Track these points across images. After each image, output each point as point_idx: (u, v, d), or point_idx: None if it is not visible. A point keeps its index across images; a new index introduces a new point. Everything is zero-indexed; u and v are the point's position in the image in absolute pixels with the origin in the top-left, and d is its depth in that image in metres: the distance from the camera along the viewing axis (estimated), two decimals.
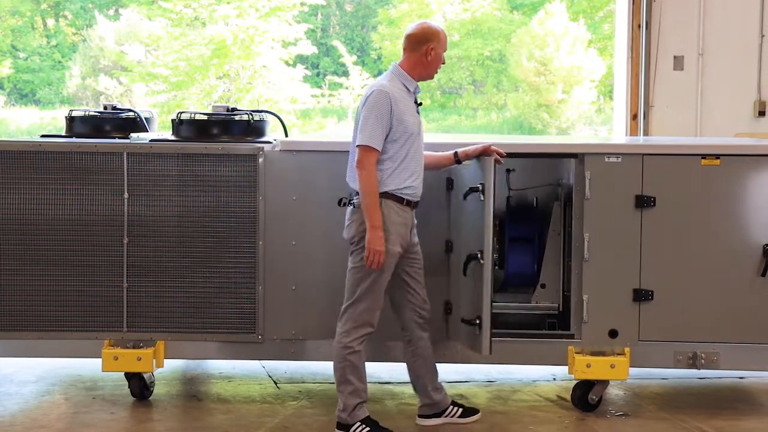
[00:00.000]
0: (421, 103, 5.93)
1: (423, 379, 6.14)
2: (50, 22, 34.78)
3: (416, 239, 5.99)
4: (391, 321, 6.11)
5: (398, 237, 5.77)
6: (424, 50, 5.82)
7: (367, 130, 5.67)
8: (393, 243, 5.74)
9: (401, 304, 6.00)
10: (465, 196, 6.22)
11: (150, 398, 6.59)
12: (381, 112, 5.66)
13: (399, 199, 5.76)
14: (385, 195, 5.73)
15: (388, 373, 7.18)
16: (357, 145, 5.70)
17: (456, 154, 6.12)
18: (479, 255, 6.00)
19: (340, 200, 6.02)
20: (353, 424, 5.80)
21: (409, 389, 6.92)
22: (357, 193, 5.76)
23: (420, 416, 6.20)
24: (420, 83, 5.89)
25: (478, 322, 6.04)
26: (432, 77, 5.96)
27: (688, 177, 6.41)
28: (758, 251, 6.39)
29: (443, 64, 5.94)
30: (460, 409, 6.23)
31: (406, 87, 5.83)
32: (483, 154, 6.05)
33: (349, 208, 5.85)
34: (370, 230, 5.65)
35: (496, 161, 6.01)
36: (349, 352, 5.78)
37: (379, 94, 5.70)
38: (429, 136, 6.46)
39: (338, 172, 6.05)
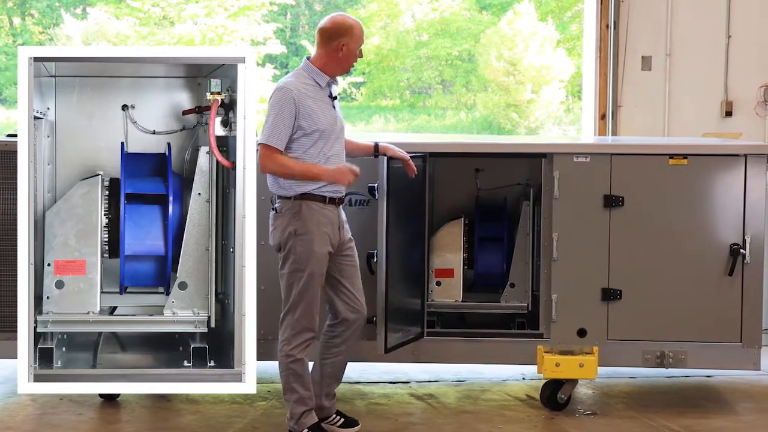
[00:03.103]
0: (336, 97, 5.75)
1: (325, 380, 5.92)
2: (16, 20, 34.54)
3: (348, 235, 5.83)
4: None
5: (325, 237, 5.63)
6: (335, 46, 5.64)
7: (266, 129, 5.55)
8: (319, 244, 5.60)
9: (334, 302, 5.81)
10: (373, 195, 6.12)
11: (118, 399, 6.54)
12: (282, 111, 5.52)
13: (320, 198, 5.63)
14: (305, 196, 5.60)
15: (357, 373, 7.17)
16: (258, 143, 5.63)
17: (377, 147, 5.95)
18: (375, 254, 5.96)
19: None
20: None
21: (379, 388, 6.91)
22: (279, 197, 5.66)
23: None
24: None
25: (375, 320, 5.99)
26: (347, 72, 5.80)
27: (656, 177, 6.44)
28: (725, 250, 6.43)
29: (360, 57, 5.76)
30: (342, 419, 5.98)
31: (317, 82, 5.65)
32: (401, 160, 5.93)
33: (272, 214, 5.73)
34: (325, 176, 5.53)
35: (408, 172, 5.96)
36: (291, 360, 5.65)
37: (280, 92, 5.56)
38: (398, 136, 6.44)
39: None
